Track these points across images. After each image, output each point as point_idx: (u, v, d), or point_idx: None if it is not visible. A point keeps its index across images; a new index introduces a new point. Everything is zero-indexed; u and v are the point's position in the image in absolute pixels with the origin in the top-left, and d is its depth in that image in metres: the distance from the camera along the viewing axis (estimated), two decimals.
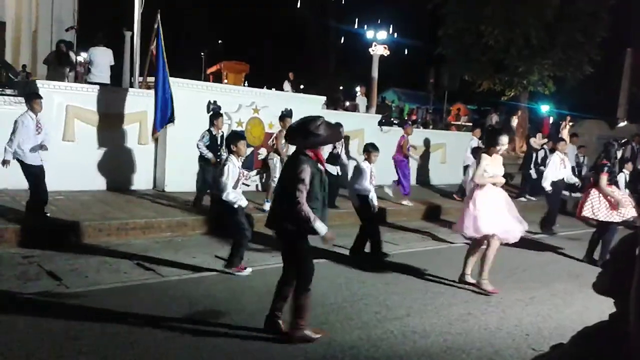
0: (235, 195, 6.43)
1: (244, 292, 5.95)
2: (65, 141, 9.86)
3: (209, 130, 9.18)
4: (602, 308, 6.01)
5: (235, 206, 6.45)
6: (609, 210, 8.31)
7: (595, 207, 8.35)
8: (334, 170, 10.47)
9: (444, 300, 6.18)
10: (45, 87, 9.78)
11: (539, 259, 8.72)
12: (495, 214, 6.46)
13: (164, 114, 10.05)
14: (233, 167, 6.42)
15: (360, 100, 17.20)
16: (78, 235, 7.59)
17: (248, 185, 10.13)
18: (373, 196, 7.84)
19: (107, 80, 11.96)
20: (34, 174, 7.85)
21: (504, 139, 6.61)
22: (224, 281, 6.23)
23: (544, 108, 25.88)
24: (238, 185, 6.51)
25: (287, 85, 16.73)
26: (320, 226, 4.57)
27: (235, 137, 6.69)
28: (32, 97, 7.94)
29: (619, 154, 8.44)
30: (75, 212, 8.36)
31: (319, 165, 4.69)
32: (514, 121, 20.74)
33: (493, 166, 6.53)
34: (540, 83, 20.66)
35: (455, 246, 8.85)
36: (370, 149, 7.91)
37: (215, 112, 9.34)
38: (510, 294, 6.58)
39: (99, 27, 15.15)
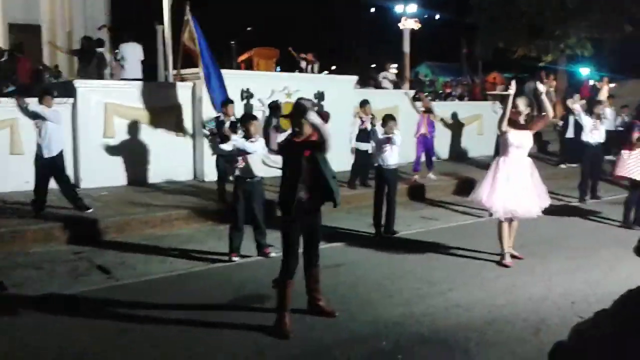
0: (226, 146, 6.68)
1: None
2: (106, 137, 10.13)
3: (216, 117, 9.30)
4: None
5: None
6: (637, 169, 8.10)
7: (629, 165, 8.14)
8: (367, 147, 10.40)
9: (487, 274, 6.15)
10: (82, 86, 10.06)
11: (584, 226, 8.56)
12: (511, 189, 6.23)
13: (220, 96, 10.04)
14: (233, 141, 6.64)
15: (385, 78, 16.90)
16: (125, 229, 7.82)
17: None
18: (388, 162, 7.83)
19: (139, 76, 12.18)
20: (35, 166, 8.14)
21: (520, 102, 6.27)
22: (267, 266, 6.32)
23: (584, 71, 25.11)
24: (237, 160, 6.57)
25: (303, 63, 16.56)
26: None
27: (246, 117, 6.87)
28: (42, 94, 8.16)
29: None
30: (119, 206, 8.61)
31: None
32: (551, 84, 20.19)
33: (517, 136, 6.24)
34: (578, 45, 20.04)
35: (495, 219, 8.73)
36: (386, 119, 7.89)
37: (225, 99, 9.39)
38: (556, 262, 6.50)
39: (131, 24, 15.38)
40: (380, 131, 8.08)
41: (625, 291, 1.92)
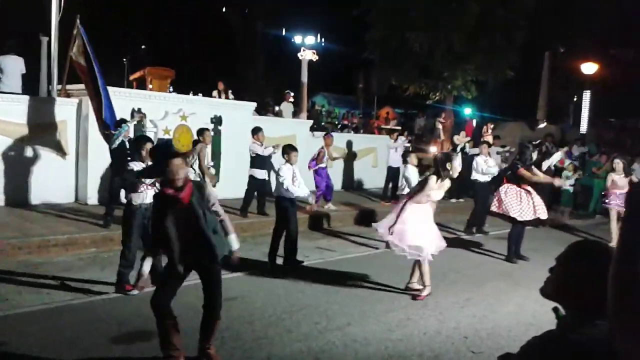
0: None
1: (175, 309, 5.67)
2: None
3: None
4: (536, 307, 6.11)
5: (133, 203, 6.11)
6: (516, 207, 8.56)
7: (506, 203, 8.60)
8: (263, 174, 10.30)
9: (383, 307, 6.15)
10: None
11: (471, 260, 8.85)
12: (422, 227, 6.50)
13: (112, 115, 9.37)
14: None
15: (285, 107, 17.04)
16: None
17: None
18: (302, 195, 7.78)
19: (19, 90, 11.29)
20: None
21: (456, 164, 6.57)
22: None
23: (467, 111, 26.65)
24: (138, 190, 6.12)
25: (215, 94, 16.38)
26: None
27: (142, 140, 6.52)
28: None
29: (534, 155, 8.81)
30: None
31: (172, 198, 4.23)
32: (439, 124, 21.25)
33: (437, 195, 6.62)
34: (464, 87, 21.21)
35: (391, 251, 8.84)
36: (288, 150, 7.73)
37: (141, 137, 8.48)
38: (446, 296, 6.63)
39: (12, 33, 14.26)
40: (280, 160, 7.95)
41: (531, 338, 1.88)
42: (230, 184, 11.14)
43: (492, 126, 18.27)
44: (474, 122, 24.39)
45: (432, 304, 6.33)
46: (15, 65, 11.36)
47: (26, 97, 10.20)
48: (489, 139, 12.48)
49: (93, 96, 9.50)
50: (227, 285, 6.45)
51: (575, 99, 25.48)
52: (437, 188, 6.52)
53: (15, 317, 5.33)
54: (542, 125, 21.50)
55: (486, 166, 10.72)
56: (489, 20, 19.90)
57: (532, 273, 7.48)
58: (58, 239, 7.72)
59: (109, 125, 9.11)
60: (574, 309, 1.81)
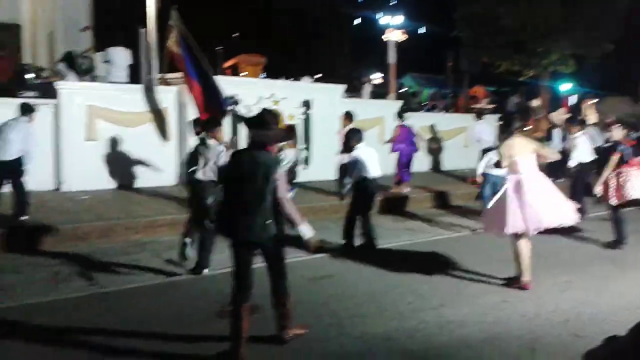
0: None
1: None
2: (88, 141, 9.93)
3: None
4: None
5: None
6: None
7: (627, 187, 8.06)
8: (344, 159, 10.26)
9: (477, 289, 6.08)
10: (65, 87, 9.85)
11: (570, 243, 8.50)
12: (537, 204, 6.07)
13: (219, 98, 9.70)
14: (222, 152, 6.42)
15: (364, 89, 16.85)
16: (108, 234, 7.64)
17: None
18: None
19: (126, 79, 12.00)
20: None
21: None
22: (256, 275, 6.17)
23: (564, 87, 25.38)
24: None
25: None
26: None
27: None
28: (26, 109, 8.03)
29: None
30: (102, 211, 8.41)
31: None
32: (536, 103, 20.37)
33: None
34: (560, 62, 20.22)
35: (481, 233, 8.69)
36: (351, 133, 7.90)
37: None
38: (545, 279, 6.43)
39: (114, 25, 15.11)
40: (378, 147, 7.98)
41: None
42: (320, 166, 11.34)
43: (590, 100, 17.24)
44: (571, 99, 23.19)
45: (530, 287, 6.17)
46: (122, 56, 12.09)
47: (131, 87, 10.84)
48: (593, 117, 11.72)
49: (192, 84, 9.87)
50: (319, 264, 6.72)
51: None
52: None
53: (125, 292, 5.76)
54: None
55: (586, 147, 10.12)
56: None
57: (636, 255, 7.13)
58: (164, 219, 8.19)
59: (222, 105, 9.47)
60: None
